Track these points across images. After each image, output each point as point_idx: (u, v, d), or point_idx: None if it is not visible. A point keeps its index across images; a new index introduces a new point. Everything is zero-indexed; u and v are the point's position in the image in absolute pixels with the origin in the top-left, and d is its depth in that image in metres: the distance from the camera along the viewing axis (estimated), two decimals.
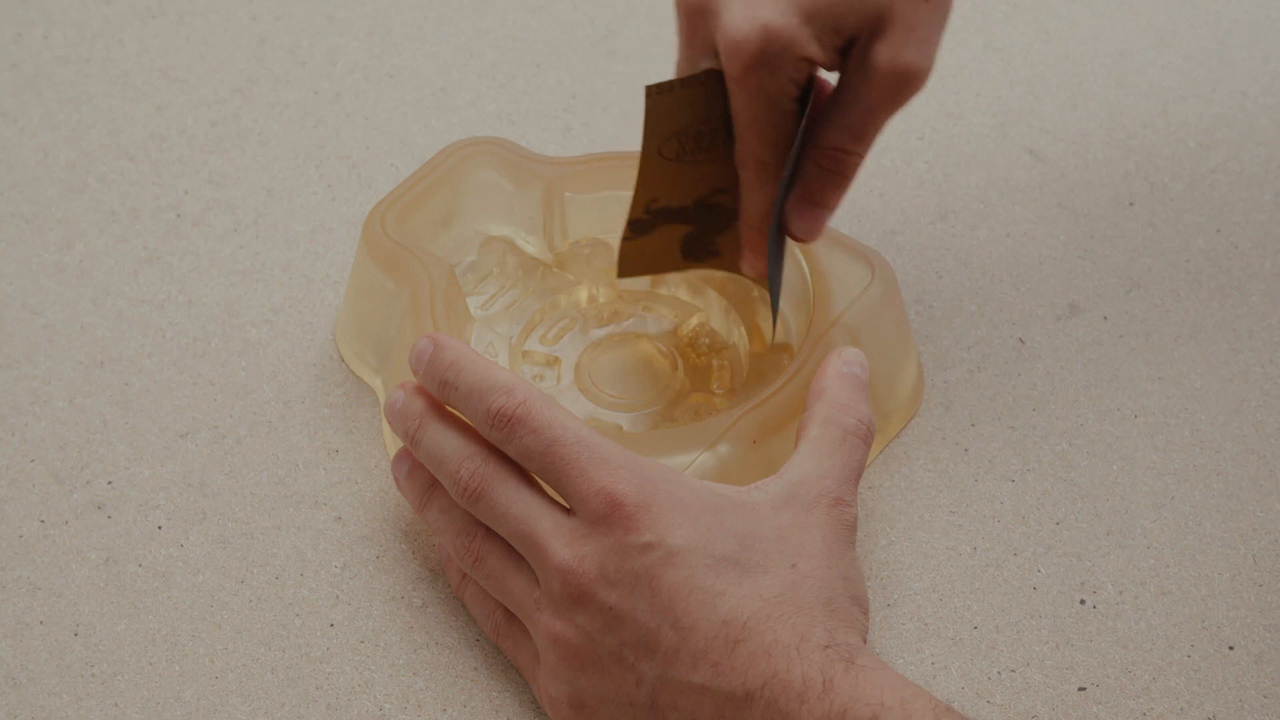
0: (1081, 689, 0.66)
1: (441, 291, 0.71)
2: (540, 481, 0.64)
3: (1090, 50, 0.93)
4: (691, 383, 0.74)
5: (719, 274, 0.76)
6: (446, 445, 0.65)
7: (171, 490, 0.73)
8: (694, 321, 0.76)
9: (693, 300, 0.77)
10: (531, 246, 0.77)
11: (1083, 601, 0.69)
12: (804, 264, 0.72)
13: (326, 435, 0.75)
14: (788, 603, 0.60)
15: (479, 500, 0.63)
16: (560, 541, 0.61)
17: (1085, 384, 0.77)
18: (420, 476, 0.67)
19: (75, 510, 0.72)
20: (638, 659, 0.60)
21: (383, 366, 0.74)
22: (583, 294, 0.77)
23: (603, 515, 0.61)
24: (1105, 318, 0.79)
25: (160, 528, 0.71)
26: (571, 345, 0.75)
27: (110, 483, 0.73)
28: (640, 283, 0.77)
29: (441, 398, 0.65)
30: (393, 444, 0.72)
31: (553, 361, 0.74)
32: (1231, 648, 0.68)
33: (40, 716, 0.66)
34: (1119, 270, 0.81)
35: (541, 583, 0.62)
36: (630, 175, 0.76)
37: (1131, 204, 0.84)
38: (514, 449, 0.63)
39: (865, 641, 0.62)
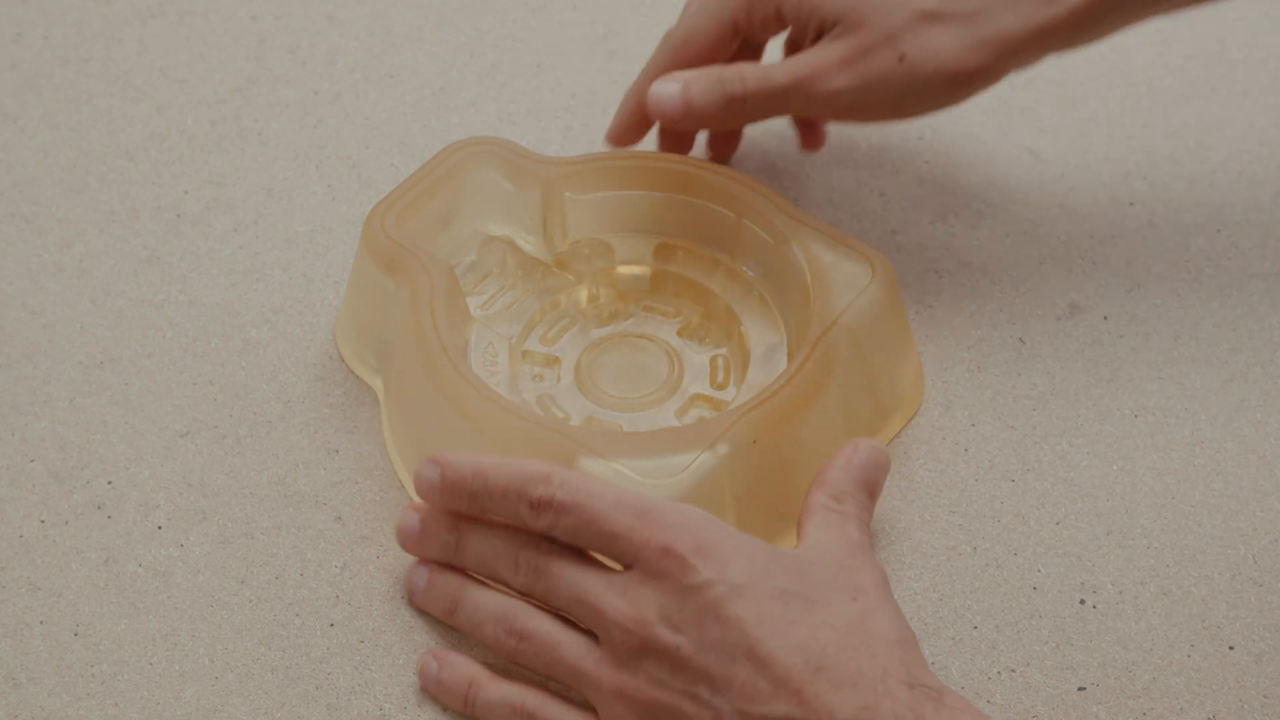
0: (1081, 689, 0.66)
1: (441, 291, 0.71)
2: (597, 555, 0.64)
3: (1090, 50, 0.93)
4: (692, 381, 0.74)
5: (719, 273, 0.76)
6: (496, 542, 0.65)
7: (171, 490, 0.73)
8: (694, 320, 0.76)
9: (693, 299, 0.77)
10: (531, 246, 0.77)
11: (1083, 601, 0.69)
12: (804, 263, 0.72)
13: (326, 435, 0.75)
14: (860, 633, 0.59)
15: (538, 577, 0.63)
16: (615, 594, 0.61)
17: (1085, 384, 0.77)
18: (443, 586, 0.67)
19: (75, 510, 0.72)
20: (712, 695, 0.59)
21: (382, 366, 0.74)
22: (583, 294, 0.77)
23: (656, 564, 0.60)
24: (1105, 318, 0.79)
25: (160, 528, 0.71)
26: (571, 345, 0.75)
27: (110, 483, 0.73)
28: (641, 283, 0.77)
29: (475, 510, 0.65)
30: (395, 449, 0.72)
31: (552, 361, 0.74)
32: (1231, 648, 0.68)
33: (40, 716, 0.66)
34: (1119, 270, 0.81)
35: (602, 640, 0.62)
36: (630, 176, 0.76)
37: (1131, 204, 0.84)
38: (561, 531, 0.63)
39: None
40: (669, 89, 0.75)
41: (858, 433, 0.71)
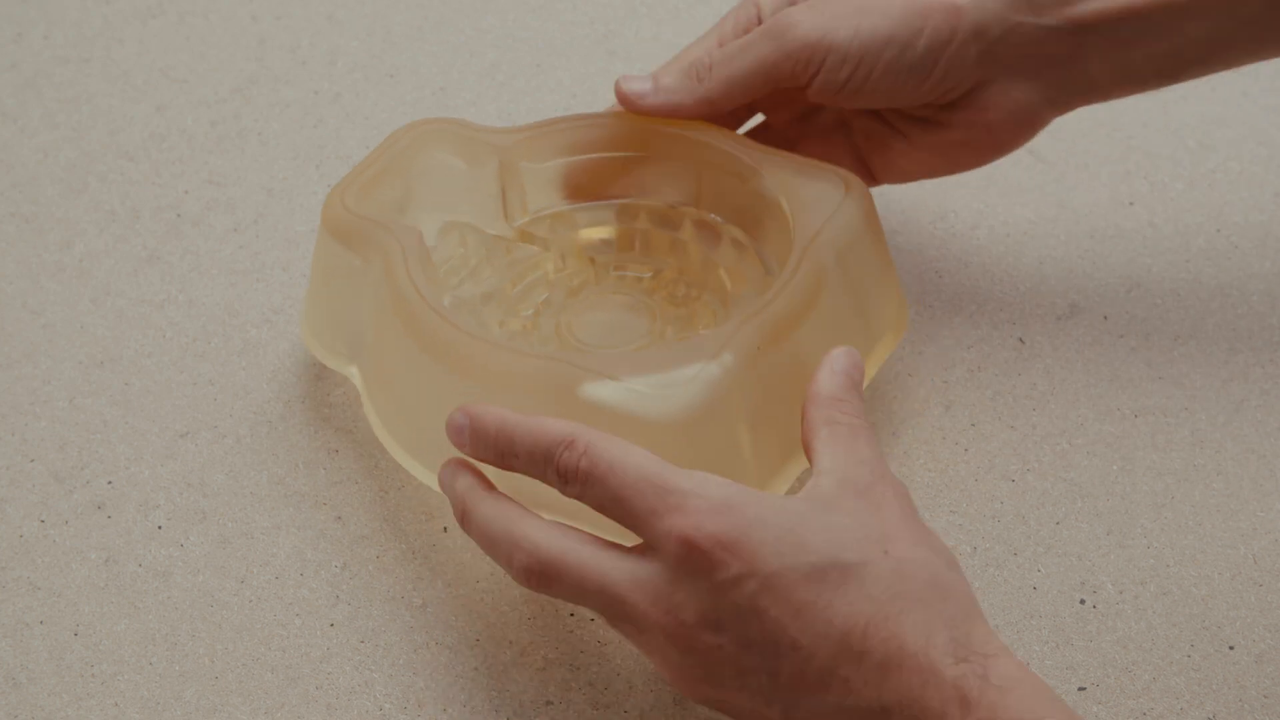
0: (1081, 689, 0.66)
1: (414, 254, 0.69)
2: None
3: None
4: (676, 330, 0.73)
5: (686, 224, 0.76)
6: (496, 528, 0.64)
7: (171, 490, 0.73)
8: (668, 273, 0.75)
9: (664, 253, 0.76)
10: (492, 228, 0.76)
11: (1083, 601, 0.69)
12: (778, 189, 0.72)
13: (326, 435, 0.75)
14: (900, 598, 0.59)
15: (547, 587, 0.63)
16: (648, 599, 0.60)
17: (1085, 384, 0.77)
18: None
19: (75, 510, 0.72)
20: (760, 685, 0.59)
21: (356, 353, 0.72)
22: (549, 264, 0.76)
23: (682, 558, 0.59)
24: (1105, 318, 0.79)
25: (160, 528, 0.71)
26: (548, 313, 0.74)
27: (110, 483, 0.73)
28: (608, 245, 0.76)
29: (504, 468, 0.64)
30: (387, 432, 0.71)
31: (533, 329, 0.73)
32: (1231, 648, 0.68)
33: (40, 716, 0.66)
34: (1119, 270, 0.81)
35: (644, 631, 0.61)
36: (584, 138, 0.75)
37: (1131, 204, 0.84)
38: (589, 501, 0.62)
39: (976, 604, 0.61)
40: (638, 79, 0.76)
41: None
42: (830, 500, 0.61)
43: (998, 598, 0.69)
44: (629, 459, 0.61)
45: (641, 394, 0.64)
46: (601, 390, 0.64)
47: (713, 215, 0.75)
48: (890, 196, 0.84)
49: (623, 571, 0.61)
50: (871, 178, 0.77)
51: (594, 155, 0.76)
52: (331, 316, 0.74)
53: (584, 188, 0.77)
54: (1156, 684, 0.67)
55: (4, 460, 0.74)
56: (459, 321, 0.67)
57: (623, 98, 0.75)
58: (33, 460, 0.74)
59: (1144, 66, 0.74)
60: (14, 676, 0.67)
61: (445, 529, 0.71)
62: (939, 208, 0.84)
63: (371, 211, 0.72)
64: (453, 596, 0.69)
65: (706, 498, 0.60)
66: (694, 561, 0.59)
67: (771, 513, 0.60)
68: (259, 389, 0.76)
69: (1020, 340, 0.78)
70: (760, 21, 0.75)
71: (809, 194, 0.72)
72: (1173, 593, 0.69)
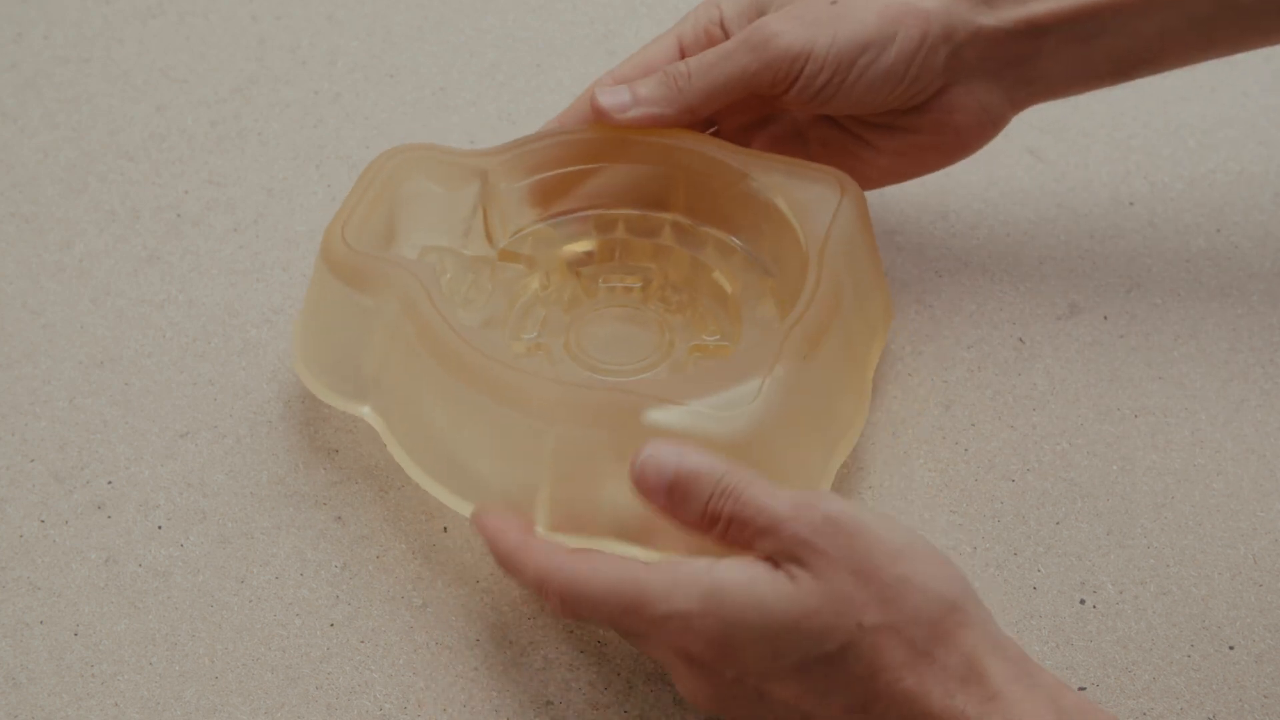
0: (1081, 689, 0.67)
1: (437, 292, 0.68)
2: None
3: None
4: (683, 337, 0.73)
5: (668, 231, 0.76)
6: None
7: (171, 490, 0.73)
8: (655, 281, 0.75)
9: (651, 261, 0.76)
10: (474, 251, 0.75)
11: (1083, 601, 0.69)
12: (771, 191, 0.72)
13: (326, 435, 0.75)
14: (886, 670, 0.59)
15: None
16: (676, 673, 0.62)
17: (1085, 384, 0.77)
18: None
19: (75, 510, 0.72)
20: None
21: (369, 391, 0.71)
22: (534, 282, 0.75)
23: (687, 662, 0.61)
24: (1105, 318, 0.79)
25: (160, 528, 0.71)
26: (550, 331, 0.74)
27: (110, 483, 0.73)
28: (593, 258, 0.76)
29: None
30: (426, 472, 0.70)
31: (538, 349, 0.73)
32: (1231, 648, 0.68)
33: (40, 716, 0.66)
34: (1119, 270, 0.81)
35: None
36: (562, 154, 0.75)
37: (1131, 204, 0.84)
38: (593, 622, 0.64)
39: (978, 605, 0.60)
40: (617, 90, 0.75)
41: (861, 352, 0.72)
42: (802, 587, 0.59)
43: (998, 598, 0.69)
44: (598, 592, 0.61)
45: (707, 415, 0.64)
46: (666, 416, 0.64)
47: (695, 221, 0.75)
48: (890, 196, 0.84)
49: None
50: None
51: (574, 168, 0.76)
52: (337, 355, 0.72)
53: (563, 202, 0.77)
54: (1156, 684, 0.67)
55: (4, 460, 0.74)
56: (510, 360, 0.67)
57: (602, 113, 0.74)
58: (33, 460, 0.74)
59: (1099, 64, 0.75)
60: (14, 676, 0.67)
61: (445, 529, 0.71)
62: (939, 208, 0.84)
63: (364, 246, 0.71)
64: (453, 596, 0.69)
65: (683, 615, 0.60)
66: (695, 666, 0.61)
67: (746, 605, 0.59)
68: (259, 389, 0.76)
69: (1020, 340, 0.78)
70: (722, 23, 0.76)
71: (806, 196, 0.72)
72: (1173, 593, 0.69)
